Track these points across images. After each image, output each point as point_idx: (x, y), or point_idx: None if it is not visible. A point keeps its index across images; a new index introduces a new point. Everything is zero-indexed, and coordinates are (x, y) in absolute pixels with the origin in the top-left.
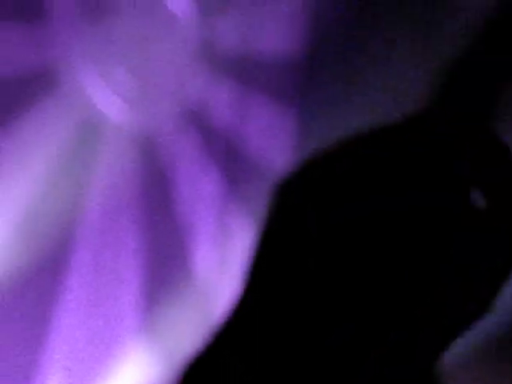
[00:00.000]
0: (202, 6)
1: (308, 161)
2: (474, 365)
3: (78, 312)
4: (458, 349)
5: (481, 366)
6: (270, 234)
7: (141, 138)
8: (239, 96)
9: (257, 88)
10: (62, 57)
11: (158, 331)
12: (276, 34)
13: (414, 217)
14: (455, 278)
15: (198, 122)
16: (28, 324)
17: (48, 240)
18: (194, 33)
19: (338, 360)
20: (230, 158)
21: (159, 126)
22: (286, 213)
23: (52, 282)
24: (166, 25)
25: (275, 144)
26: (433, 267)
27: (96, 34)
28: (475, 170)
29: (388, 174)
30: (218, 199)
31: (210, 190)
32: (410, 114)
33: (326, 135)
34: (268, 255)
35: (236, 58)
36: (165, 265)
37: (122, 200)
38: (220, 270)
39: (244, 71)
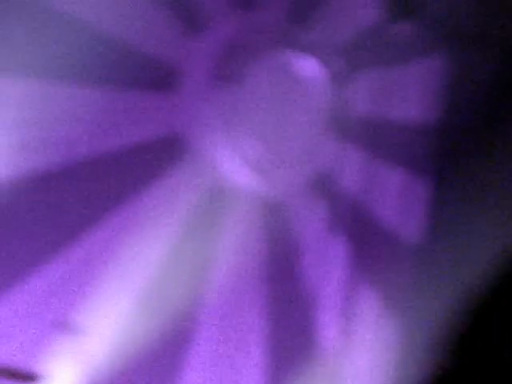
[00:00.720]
0: (332, 72)
1: None
2: None
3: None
4: None
5: None
6: None
7: (268, 205)
8: (369, 162)
9: (387, 154)
10: (191, 124)
11: None
12: (407, 100)
13: None
14: None
15: (326, 189)
16: None
17: (176, 308)
18: (323, 100)
19: None
20: (357, 226)
21: (287, 193)
22: None
23: (178, 352)
24: (296, 92)
25: (406, 211)
26: None
27: (225, 103)
28: None
29: None
30: (344, 268)
31: (336, 258)
32: None
33: (462, 206)
34: None
35: (366, 124)
36: (289, 336)
37: (247, 268)
38: (345, 340)
39: (374, 137)
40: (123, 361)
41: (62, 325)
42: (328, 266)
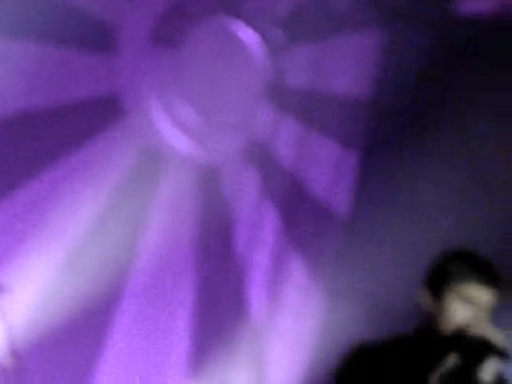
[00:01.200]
0: (270, 42)
1: None
2: None
3: (129, 342)
4: None
5: None
6: None
7: (203, 171)
8: (302, 135)
9: (320, 126)
10: (128, 85)
11: (207, 365)
12: (344, 76)
13: None
14: None
15: (260, 157)
16: (80, 352)
17: (107, 268)
18: (261, 71)
19: None
20: (288, 195)
21: (222, 160)
22: None
23: (106, 311)
24: (234, 60)
25: (336, 183)
26: None
27: (163, 65)
28: None
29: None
30: (275, 235)
31: (267, 225)
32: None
33: (388, 178)
34: None
35: (301, 95)
36: (218, 300)
37: (179, 231)
38: (272, 305)
39: (309, 111)
40: (50, 319)
41: None
42: (259, 232)
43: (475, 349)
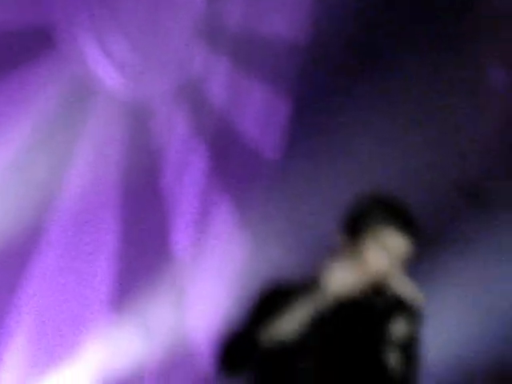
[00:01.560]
0: None
1: None
2: None
3: (50, 279)
4: None
5: None
6: None
7: (133, 107)
8: (236, 77)
9: (254, 70)
10: (62, 18)
11: (130, 305)
12: (280, 18)
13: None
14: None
15: (192, 99)
16: (2, 283)
17: (28, 207)
18: (198, 11)
19: None
20: (220, 137)
21: (153, 99)
22: None
23: (31, 243)
24: (171, 1)
25: (267, 127)
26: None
27: (101, 4)
28: None
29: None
30: (203, 178)
31: (196, 168)
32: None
33: (319, 124)
34: None
35: (236, 39)
36: (143, 237)
37: (106, 165)
38: (197, 248)
39: (243, 53)
40: None
41: None
42: (187, 172)
43: (388, 305)
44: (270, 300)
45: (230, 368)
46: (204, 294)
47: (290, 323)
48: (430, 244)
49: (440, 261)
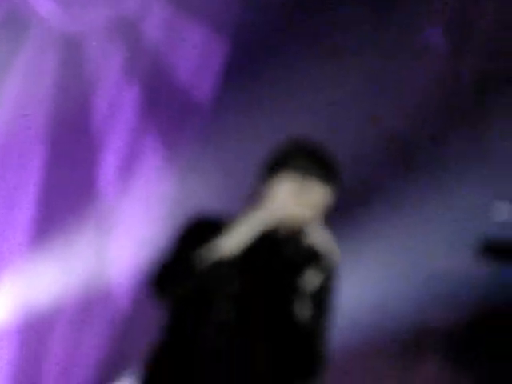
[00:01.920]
0: None
1: None
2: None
3: None
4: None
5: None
6: None
7: (66, 39)
8: (173, 18)
9: (193, 13)
10: None
11: (52, 240)
12: None
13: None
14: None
15: (127, 36)
16: None
17: None
18: None
19: None
20: (154, 77)
21: (87, 32)
22: None
23: None
24: None
25: (201, 69)
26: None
27: None
28: None
29: None
30: (135, 116)
31: (127, 104)
32: None
33: (254, 70)
34: None
35: None
36: (70, 175)
37: (36, 97)
38: (123, 186)
39: None
40: None
41: None
42: (118, 110)
43: (302, 255)
44: (197, 229)
45: (165, 288)
46: (128, 232)
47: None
48: (351, 197)
49: (362, 216)
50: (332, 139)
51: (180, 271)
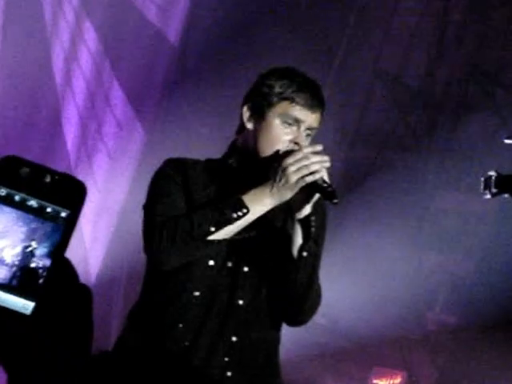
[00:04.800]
0: None
1: None
2: None
3: None
4: None
5: None
6: None
7: None
8: None
9: None
10: None
11: None
12: None
13: None
14: None
15: None
16: None
17: None
18: None
19: None
20: (113, 17)
21: None
22: None
23: None
24: None
25: (169, 9)
26: None
27: None
28: None
29: None
30: (94, 63)
31: (86, 50)
32: None
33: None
34: None
35: None
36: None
37: None
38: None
39: None
40: None
41: None
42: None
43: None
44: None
45: (171, 254)
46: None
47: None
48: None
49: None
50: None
51: (192, 239)
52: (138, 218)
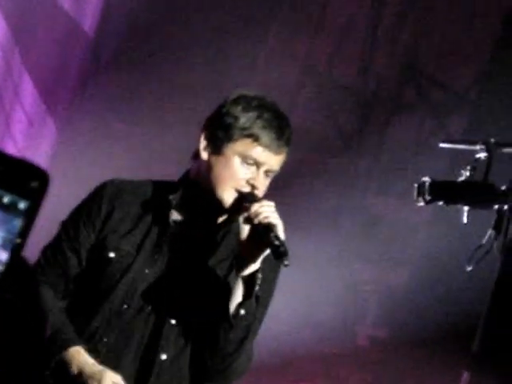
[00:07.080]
0: None
1: None
2: None
3: None
4: None
5: None
6: None
7: None
8: None
9: None
10: None
11: None
12: None
13: None
14: None
15: None
16: None
17: None
18: None
19: None
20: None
21: None
22: None
23: None
24: None
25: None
26: None
27: None
28: None
29: None
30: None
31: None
32: None
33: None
34: None
35: None
36: None
37: None
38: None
39: None
40: None
41: None
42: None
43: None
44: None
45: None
46: None
47: None
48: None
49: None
50: None
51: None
52: (43, 221)
